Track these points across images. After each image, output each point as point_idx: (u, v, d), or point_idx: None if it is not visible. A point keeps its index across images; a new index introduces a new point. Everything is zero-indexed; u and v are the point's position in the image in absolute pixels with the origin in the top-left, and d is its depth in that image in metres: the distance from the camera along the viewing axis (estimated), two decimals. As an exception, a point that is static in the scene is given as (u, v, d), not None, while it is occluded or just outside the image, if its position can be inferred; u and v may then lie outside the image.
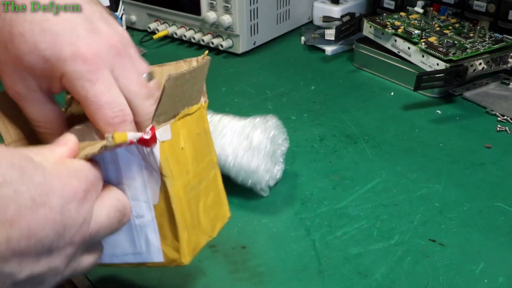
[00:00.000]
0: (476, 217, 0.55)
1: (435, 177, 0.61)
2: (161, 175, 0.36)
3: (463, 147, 0.66)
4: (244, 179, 0.56)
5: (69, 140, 0.35)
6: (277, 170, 0.59)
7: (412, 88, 0.75)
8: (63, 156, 0.33)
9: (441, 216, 0.55)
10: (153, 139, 0.34)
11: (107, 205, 0.34)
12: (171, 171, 0.37)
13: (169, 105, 0.37)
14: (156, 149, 0.36)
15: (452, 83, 0.73)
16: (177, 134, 0.38)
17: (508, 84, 0.80)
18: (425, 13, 0.86)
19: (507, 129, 0.70)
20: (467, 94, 0.78)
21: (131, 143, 0.34)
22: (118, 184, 0.36)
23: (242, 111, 0.75)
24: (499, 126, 0.70)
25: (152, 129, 0.35)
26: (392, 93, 0.80)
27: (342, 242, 0.52)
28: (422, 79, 0.72)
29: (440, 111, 0.74)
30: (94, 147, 0.33)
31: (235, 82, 0.84)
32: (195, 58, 0.44)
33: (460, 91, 0.78)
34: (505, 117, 0.72)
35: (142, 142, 0.34)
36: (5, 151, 0.30)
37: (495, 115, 0.73)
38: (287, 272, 0.49)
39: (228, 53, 0.93)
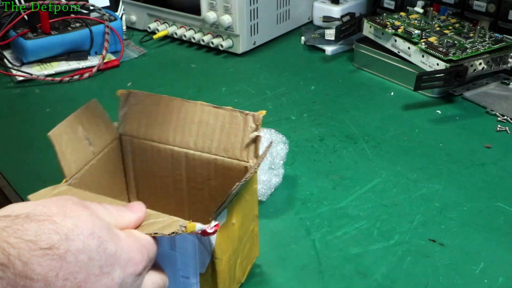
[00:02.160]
0: (476, 217, 0.55)
1: (435, 177, 0.61)
2: (213, 257, 0.40)
3: (463, 147, 0.66)
4: None
5: (141, 209, 0.37)
6: (276, 180, 0.58)
7: (412, 88, 0.75)
8: (131, 223, 0.36)
9: (441, 216, 0.55)
10: (214, 233, 0.37)
11: (153, 282, 0.37)
12: (222, 252, 0.41)
13: (232, 198, 0.40)
14: (213, 237, 0.39)
15: (452, 83, 0.73)
16: (231, 212, 0.41)
17: (508, 84, 0.80)
18: (425, 13, 0.86)
19: (507, 129, 0.70)
20: (467, 94, 0.78)
21: (196, 233, 0.37)
22: (170, 249, 0.40)
23: (242, 111, 0.75)
24: (499, 126, 0.70)
25: (217, 226, 0.37)
26: (392, 93, 0.80)
27: (342, 242, 0.52)
28: (422, 79, 0.72)
29: (440, 111, 0.74)
30: (165, 229, 0.36)
31: (235, 82, 0.84)
32: (251, 114, 0.45)
33: (460, 91, 0.78)
34: (505, 117, 0.72)
35: (204, 233, 0.37)
36: (88, 217, 0.33)
37: (495, 115, 0.73)
38: (287, 272, 0.49)
39: (228, 53, 0.93)
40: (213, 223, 0.37)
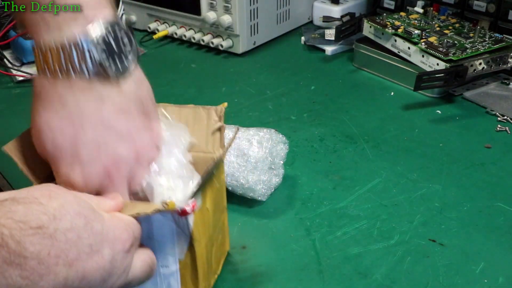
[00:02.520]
0: (476, 217, 0.55)
1: (435, 177, 0.61)
2: (191, 239, 0.41)
3: (463, 147, 0.66)
4: (243, 194, 0.56)
5: (118, 197, 0.39)
6: (276, 180, 0.58)
7: (412, 88, 0.75)
8: (111, 207, 0.38)
9: (441, 216, 0.55)
10: (192, 210, 0.39)
11: (142, 259, 0.38)
12: (199, 235, 0.42)
13: (204, 181, 0.42)
14: (191, 218, 0.40)
15: (452, 83, 0.73)
16: (204, 197, 0.42)
17: (508, 84, 0.80)
18: (425, 13, 0.86)
19: (507, 129, 0.70)
20: (467, 94, 0.78)
21: (177, 211, 0.38)
22: (148, 238, 0.41)
23: (242, 111, 0.75)
24: (499, 126, 0.70)
25: (194, 203, 0.39)
26: (392, 93, 0.80)
27: (342, 242, 0.52)
28: (422, 79, 0.72)
29: (440, 111, 0.74)
30: (147, 208, 0.37)
31: (235, 82, 0.84)
32: (213, 108, 0.46)
33: (460, 91, 0.78)
34: (505, 117, 0.72)
35: (182, 213, 0.39)
36: (72, 198, 0.34)
37: (495, 115, 0.73)
38: (287, 272, 0.49)
39: (228, 53, 0.93)
40: (191, 201, 0.38)
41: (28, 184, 0.60)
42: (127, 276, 0.36)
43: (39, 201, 0.33)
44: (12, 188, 0.60)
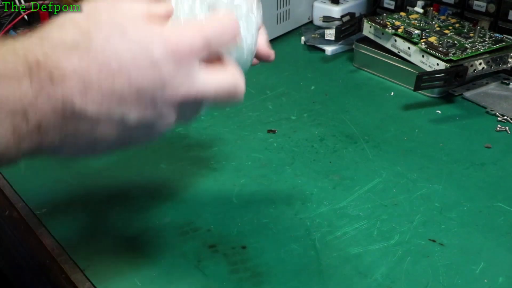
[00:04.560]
0: (476, 217, 0.55)
1: (435, 177, 0.61)
2: None
3: (463, 147, 0.66)
4: None
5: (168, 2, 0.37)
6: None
7: (412, 88, 0.75)
8: (165, 12, 0.36)
9: (441, 216, 0.55)
10: None
11: (219, 79, 0.36)
12: None
13: None
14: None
15: (452, 83, 0.73)
16: None
17: (508, 84, 0.80)
18: (425, 13, 0.86)
19: (507, 129, 0.70)
20: (467, 94, 0.78)
21: None
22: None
23: (242, 111, 0.75)
24: (499, 126, 0.70)
25: None
26: (392, 93, 0.80)
27: (342, 242, 0.52)
28: (422, 79, 0.72)
29: (440, 111, 0.74)
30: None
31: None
32: None
33: (460, 91, 0.78)
34: (505, 117, 0.72)
35: None
36: (108, 9, 0.34)
37: (495, 115, 0.73)
38: (287, 272, 0.49)
39: (228, 53, 0.93)
40: None
41: (28, 184, 0.60)
42: (191, 89, 0.35)
43: (74, 20, 0.33)
44: (12, 187, 0.60)
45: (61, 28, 0.34)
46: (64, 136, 0.33)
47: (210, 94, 0.36)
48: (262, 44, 0.46)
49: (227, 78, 0.37)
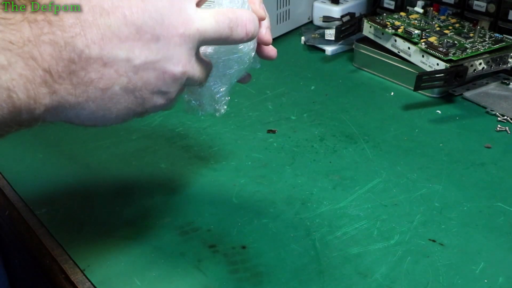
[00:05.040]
0: (476, 217, 0.55)
1: (435, 177, 0.61)
2: None
3: (463, 147, 0.66)
4: None
5: None
6: None
7: (412, 88, 0.75)
8: None
9: (441, 216, 0.55)
10: None
11: (217, 12, 0.37)
12: None
13: None
14: None
15: (452, 83, 0.73)
16: None
17: (508, 84, 0.80)
18: (425, 13, 0.86)
19: (507, 129, 0.70)
20: (467, 94, 0.78)
21: None
22: None
23: (242, 111, 0.75)
24: (499, 126, 0.70)
25: None
26: (392, 93, 0.80)
27: (342, 242, 0.52)
28: (422, 79, 0.72)
29: (440, 111, 0.74)
30: None
31: (235, 82, 0.84)
32: None
33: (460, 91, 0.78)
34: (505, 117, 0.72)
35: None
36: None
37: (495, 115, 0.73)
38: (287, 272, 0.49)
39: (228, 53, 0.93)
40: None
41: (28, 184, 0.60)
42: (192, 23, 0.35)
43: None
44: (12, 187, 0.60)
45: None
46: (76, 86, 0.33)
47: (212, 28, 0.36)
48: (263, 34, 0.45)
49: (226, 11, 0.37)
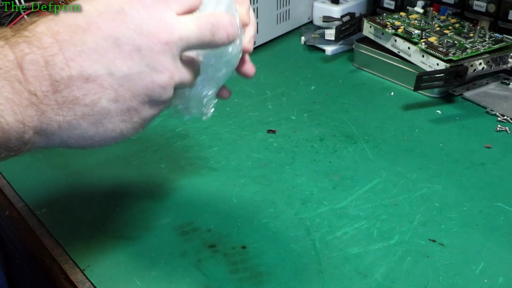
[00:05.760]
0: (476, 217, 0.55)
1: (435, 177, 0.61)
2: None
3: (463, 147, 0.66)
4: None
5: None
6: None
7: (412, 88, 0.75)
8: None
9: (441, 216, 0.55)
10: None
11: (198, 17, 0.37)
12: None
13: None
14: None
15: (452, 83, 0.73)
16: None
17: (508, 84, 0.80)
18: (425, 13, 0.86)
19: (507, 129, 0.70)
20: (467, 94, 0.78)
21: None
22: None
23: (242, 111, 0.75)
24: (499, 126, 0.70)
25: None
26: (392, 93, 0.80)
27: (342, 242, 0.52)
28: (422, 79, 0.72)
29: (440, 111, 0.74)
30: None
31: (235, 82, 0.84)
32: None
33: (460, 91, 0.78)
34: (505, 117, 0.72)
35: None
36: None
37: (495, 115, 0.73)
38: (287, 272, 0.49)
39: (228, 53, 0.93)
40: None
41: (28, 184, 0.60)
42: (173, 32, 0.35)
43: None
44: (12, 187, 0.60)
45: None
46: (63, 105, 0.33)
47: (194, 34, 0.36)
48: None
49: (207, 16, 0.37)
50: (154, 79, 0.35)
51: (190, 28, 0.36)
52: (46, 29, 0.33)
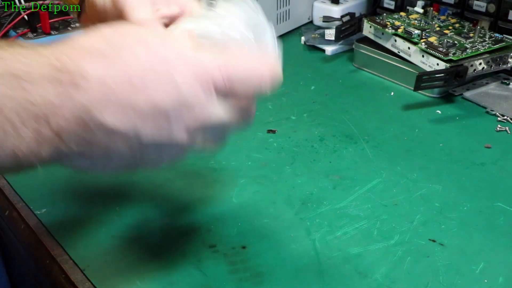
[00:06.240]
0: (476, 217, 0.55)
1: (435, 177, 0.61)
2: None
3: (463, 147, 0.66)
4: None
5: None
6: None
7: (412, 88, 0.75)
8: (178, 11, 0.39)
9: (441, 216, 0.55)
10: None
11: (233, 106, 0.37)
12: None
13: None
14: None
15: (452, 83, 0.73)
16: None
17: (508, 84, 0.80)
18: (425, 13, 0.86)
19: (507, 129, 0.70)
20: (467, 94, 0.78)
21: None
22: None
23: (242, 111, 0.75)
24: (499, 126, 0.70)
25: None
26: (392, 93, 0.80)
27: (342, 242, 0.52)
28: (422, 79, 0.72)
29: (440, 111, 0.74)
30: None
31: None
32: None
33: (460, 91, 0.78)
34: (505, 117, 0.72)
35: None
36: (135, 28, 0.36)
37: (495, 115, 0.73)
38: (287, 272, 0.49)
39: (228, 53, 0.93)
40: None
41: (28, 184, 0.60)
42: (206, 114, 0.35)
43: (101, 32, 0.34)
44: (12, 188, 0.60)
45: (89, 37, 0.34)
46: (81, 144, 0.33)
47: (225, 122, 0.36)
48: None
49: (240, 104, 0.37)
50: (169, 149, 0.36)
51: (224, 118, 0.36)
52: (102, 72, 0.32)
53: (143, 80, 0.32)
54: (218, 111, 0.35)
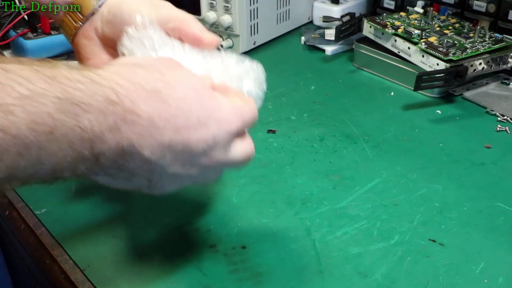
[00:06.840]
0: (476, 217, 0.55)
1: (435, 177, 0.61)
2: None
3: (463, 147, 0.66)
4: None
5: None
6: None
7: (412, 88, 0.75)
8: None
9: (441, 216, 0.55)
10: None
11: (243, 147, 0.41)
12: None
13: None
14: None
15: (452, 83, 0.73)
16: None
17: (508, 84, 0.80)
18: (425, 13, 0.86)
19: (507, 129, 0.70)
20: (467, 94, 0.78)
21: None
22: None
23: (242, 111, 0.75)
24: (499, 126, 0.70)
25: None
26: (392, 93, 0.80)
27: (342, 242, 0.52)
28: (422, 79, 0.72)
29: (440, 111, 0.74)
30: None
31: (235, 82, 0.84)
32: None
33: (460, 91, 0.78)
34: (505, 117, 0.72)
35: None
36: (189, 73, 0.39)
37: (495, 115, 0.73)
38: (287, 272, 0.49)
39: (228, 53, 0.93)
40: None
41: (30, 186, 0.60)
42: (226, 156, 0.39)
43: (159, 70, 0.37)
44: (12, 188, 0.60)
45: (146, 71, 0.36)
46: (113, 167, 0.35)
47: (238, 162, 0.41)
48: None
49: (248, 148, 0.42)
50: (182, 181, 0.40)
51: (237, 159, 0.41)
52: (153, 109, 0.34)
53: (187, 124, 0.36)
54: (235, 153, 0.40)
